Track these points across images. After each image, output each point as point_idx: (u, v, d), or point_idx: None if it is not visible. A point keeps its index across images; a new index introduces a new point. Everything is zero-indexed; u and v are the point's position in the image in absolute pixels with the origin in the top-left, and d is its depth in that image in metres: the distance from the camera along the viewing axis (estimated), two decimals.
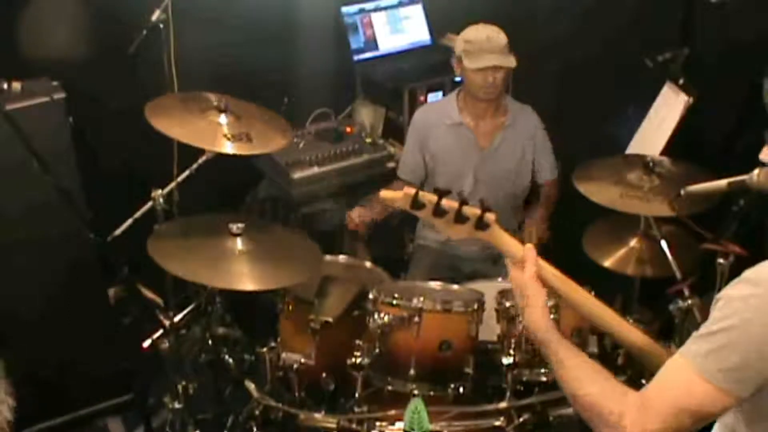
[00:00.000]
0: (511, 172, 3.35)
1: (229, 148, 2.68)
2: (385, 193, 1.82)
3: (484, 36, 3.12)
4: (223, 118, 2.74)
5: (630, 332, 1.83)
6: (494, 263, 3.43)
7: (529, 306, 1.77)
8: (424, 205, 1.80)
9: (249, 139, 2.69)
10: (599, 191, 2.80)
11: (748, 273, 1.40)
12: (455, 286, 2.82)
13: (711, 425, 1.56)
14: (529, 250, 1.81)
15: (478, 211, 1.83)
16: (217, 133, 2.70)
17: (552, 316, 2.53)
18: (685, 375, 1.43)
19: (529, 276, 1.78)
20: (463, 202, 1.81)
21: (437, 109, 3.39)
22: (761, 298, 1.36)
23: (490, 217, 1.83)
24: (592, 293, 1.91)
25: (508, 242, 1.86)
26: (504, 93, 3.33)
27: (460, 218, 1.82)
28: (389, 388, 2.58)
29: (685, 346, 1.45)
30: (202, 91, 2.89)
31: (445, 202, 1.80)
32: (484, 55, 3.09)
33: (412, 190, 1.78)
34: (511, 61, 3.11)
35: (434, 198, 1.79)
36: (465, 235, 1.87)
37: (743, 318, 1.37)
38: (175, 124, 2.68)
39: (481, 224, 1.84)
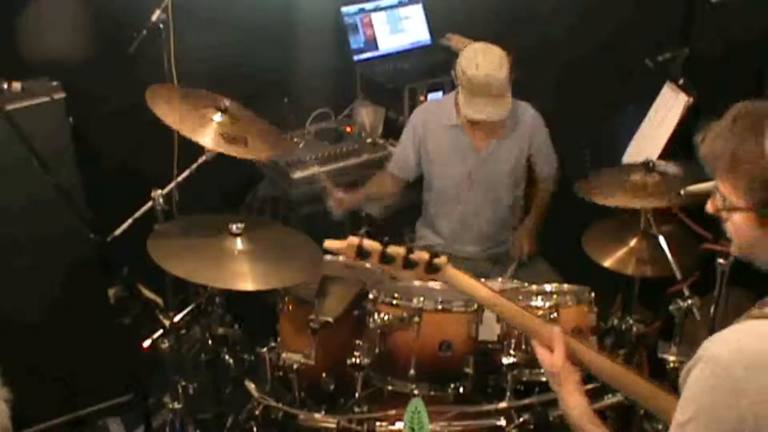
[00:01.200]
0: (508, 173, 3.34)
1: (227, 149, 2.68)
2: (329, 243, 1.86)
3: (483, 75, 3.02)
4: (218, 116, 2.74)
5: (666, 401, 1.78)
6: (494, 263, 3.44)
7: (564, 389, 1.75)
8: (370, 254, 1.81)
9: (245, 143, 2.69)
10: (599, 191, 2.80)
11: (706, 351, 1.35)
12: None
13: None
14: (558, 334, 1.79)
15: (426, 256, 1.82)
16: (211, 129, 2.70)
17: (552, 315, 2.58)
18: None
19: (560, 358, 1.76)
20: (409, 249, 1.81)
21: (436, 109, 3.39)
22: (722, 378, 1.32)
23: (439, 261, 1.82)
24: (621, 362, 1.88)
25: (466, 283, 1.86)
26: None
27: (408, 264, 1.82)
28: (389, 388, 2.59)
29: None
30: (202, 91, 2.89)
31: (391, 250, 1.80)
32: (480, 102, 3.06)
33: (355, 240, 1.80)
34: (505, 107, 3.08)
35: (379, 247, 1.80)
36: (417, 279, 1.87)
37: (711, 402, 1.33)
38: (172, 113, 2.67)
39: (431, 268, 1.83)
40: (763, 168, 1.37)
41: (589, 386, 2.60)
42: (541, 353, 1.80)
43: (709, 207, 1.53)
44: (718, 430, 1.33)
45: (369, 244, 1.82)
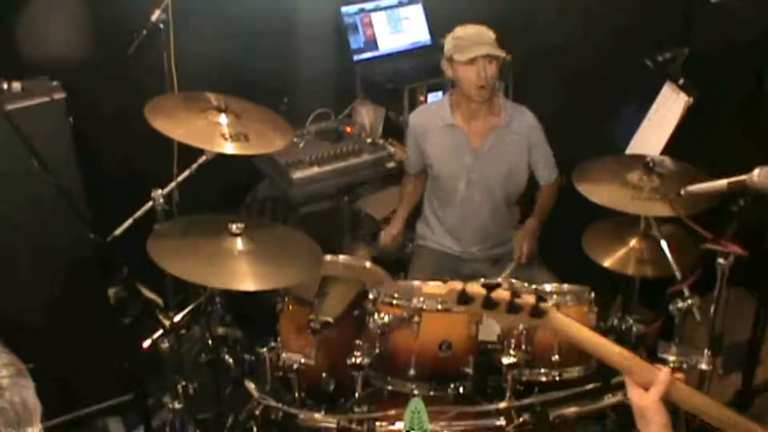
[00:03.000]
0: (505, 173, 3.35)
1: (228, 148, 2.68)
2: (428, 288, 1.81)
3: (472, 31, 3.15)
4: (223, 118, 2.74)
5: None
6: (494, 263, 3.44)
7: (652, 429, 1.66)
8: (473, 299, 1.71)
9: (246, 139, 2.69)
10: (599, 191, 2.80)
11: None
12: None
13: None
14: (664, 374, 1.67)
15: (532, 300, 1.71)
16: (216, 133, 2.70)
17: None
18: None
19: (653, 399, 1.66)
20: (514, 293, 1.71)
21: (430, 112, 3.40)
22: None
23: (546, 305, 1.71)
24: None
25: (572, 328, 1.73)
26: (497, 93, 3.33)
27: (512, 309, 1.71)
28: (389, 388, 2.59)
29: None
30: (201, 91, 2.89)
31: (496, 294, 1.70)
32: (475, 47, 3.11)
33: (458, 286, 1.69)
34: (501, 52, 3.13)
35: (482, 291, 1.69)
36: (521, 324, 1.79)
37: None
38: (175, 125, 2.67)
39: (536, 312, 1.72)
40: None
41: (590, 386, 2.62)
42: (634, 392, 1.69)
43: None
44: None
45: (473, 289, 1.70)
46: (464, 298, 1.70)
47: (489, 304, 1.70)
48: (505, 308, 1.70)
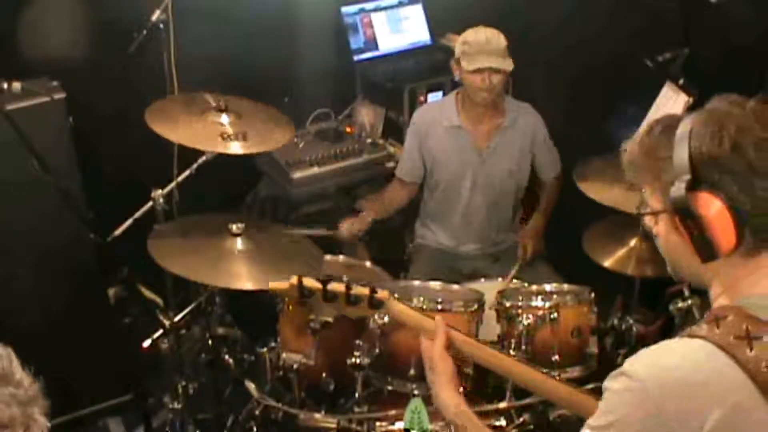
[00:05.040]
0: (509, 172, 3.35)
1: (229, 148, 2.68)
2: (273, 284, 1.87)
3: (483, 38, 3.11)
4: (224, 118, 2.74)
5: (556, 387, 1.85)
6: (494, 263, 3.44)
7: (437, 381, 1.75)
8: (312, 293, 1.81)
9: (245, 138, 2.69)
10: (600, 190, 2.80)
11: (627, 365, 1.35)
12: (455, 286, 2.82)
13: None
14: (439, 323, 1.79)
15: (366, 291, 1.82)
16: (218, 133, 2.70)
17: (552, 315, 2.58)
18: None
19: (438, 348, 1.76)
20: (348, 285, 1.81)
21: (436, 110, 3.39)
22: (635, 392, 1.31)
23: (381, 295, 1.82)
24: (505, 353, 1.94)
25: (411, 316, 1.85)
26: (502, 94, 3.33)
27: (351, 300, 1.82)
28: (389, 388, 2.58)
29: None
30: (201, 92, 2.89)
31: (332, 287, 1.80)
32: (482, 57, 3.08)
33: (295, 280, 1.80)
34: (508, 64, 3.10)
35: (319, 285, 1.80)
36: (362, 315, 1.87)
37: (623, 413, 1.33)
38: (176, 128, 2.67)
39: (373, 303, 1.83)
40: (671, 167, 1.37)
41: (590, 386, 2.62)
42: (423, 345, 1.79)
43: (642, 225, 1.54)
44: None
45: (309, 282, 1.80)
46: (304, 292, 1.80)
47: (328, 296, 1.81)
48: (344, 300, 1.81)
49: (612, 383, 1.37)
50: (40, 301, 3.03)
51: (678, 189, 1.35)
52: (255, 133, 2.73)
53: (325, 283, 1.79)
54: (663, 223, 1.45)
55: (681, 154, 1.36)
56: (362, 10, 3.98)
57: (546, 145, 3.40)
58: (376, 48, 4.00)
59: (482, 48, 3.09)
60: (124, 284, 2.59)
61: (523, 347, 2.58)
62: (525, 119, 3.34)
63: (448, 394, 1.74)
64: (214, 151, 2.75)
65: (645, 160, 1.45)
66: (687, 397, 1.29)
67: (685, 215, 1.36)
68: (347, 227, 3.37)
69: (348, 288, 1.80)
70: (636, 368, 1.33)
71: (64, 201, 2.48)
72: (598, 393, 1.46)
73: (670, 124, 1.43)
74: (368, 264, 3.05)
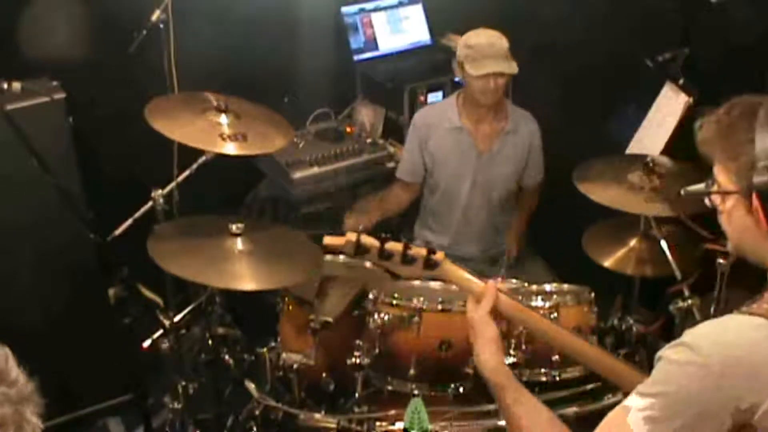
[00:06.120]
0: (507, 176, 3.36)
1: (228, 148, 2.68)
2: (328, 240, 1.89)
3: (485, 41, 3.10)
4: (223, 118, 2.74)
5: (599, 355, 1.87)
6: (493, 263, 3.45)
7: (477, 342, 1.78)
8: (369, 250, 1.84)
9: (245, 138, 2.69)
10: (600, 191, 2.80)
11: (688, 337, 1.37)
12: (455, 287, 2.82)
13: None
14: (490, 287, 1.82)
15: (424, 252, 1.86)
16: (217, 133, 2.70)
17: (552, 316, 2.57)
18: None
19: (481, 311, 1.79)
20: (407, 245, 1.85)
21: (437, 111, 3.39)
22: (698, 366, 1.33)
23: (437, 257, 1.87)
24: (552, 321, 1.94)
25: (463, 278, 1.90)
26: (504, 98, 3.33)
27: (406, 260, 1.86)
28: (389, 388, 2.59)
29: (629, 400, 1.41)
30: (202, 91, 2.89)
31: (390, 246, 1.83)
32: (486, 61, 3.08)
33: (353, 236, 1.83)
34: (512, 68, 3.10)
35: (377, 243, 1.83)
36: (416, 275, 1.91)
37: (680, 385, 1.34)
38: (175, 126, 2.67)
39: (429, 264, 1.87)
40: (751, 151, 1.41)
41: (590, 386, 2.62)
42: (469, 306, 1.82)
43: (707, 199, 1.56)
44: (684, 411, 1.34)
45: (367, 240, 1.84)
46: (361, 248, 1.84)
47: (384, 254, 1.84)
48: (400, 259, 1.85)
49: (671, 353, 1.38)
50: (40, 301, 3.03)
51: (763, 174, 1.39)
52: (254, 135, 2.72)
53: (383, 241, 1.83)
54: (733, 202, 1.48)
55: (766, 141, 1.40)
56: (362, 10, 3.98)
57: (537, 153, 3.42)
58: (376, 48, 4.00)
59: (486, 52, 3.08)
60: (124, 284, 2.59)
61: (524, 347, 2.57)
62: (526, 127, 3.36)
63: (487, 356, 1.77)
64: (213, 150, 2.75)
65: (722, 141, 1.48)
66: (747, 377, 1.32)
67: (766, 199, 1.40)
68: (352, 223, 3.38)
69: (406, 247, 1.84)
70: (699, 342, 1.35)
71: (64, 201, 2.48)
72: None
73: (749, 107, 1.46)
74: (368, 264, 3.05)
